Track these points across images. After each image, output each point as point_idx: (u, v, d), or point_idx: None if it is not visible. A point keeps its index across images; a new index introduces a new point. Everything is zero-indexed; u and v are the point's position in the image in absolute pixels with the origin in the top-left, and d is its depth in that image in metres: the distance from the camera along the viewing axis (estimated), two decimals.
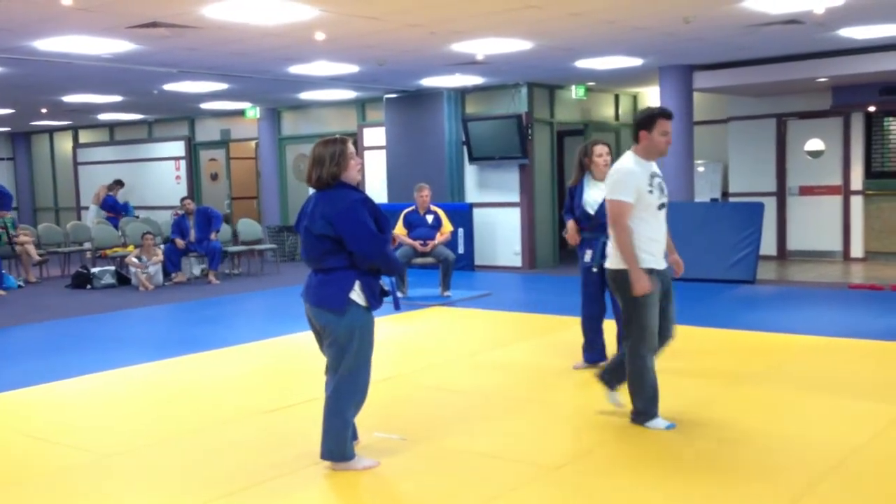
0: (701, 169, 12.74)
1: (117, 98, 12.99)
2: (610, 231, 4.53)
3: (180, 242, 11.58)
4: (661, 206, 4.50)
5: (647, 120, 4.46)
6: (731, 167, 12.76)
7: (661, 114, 4.47)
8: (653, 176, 4.47)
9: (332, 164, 3.88)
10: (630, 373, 4.52)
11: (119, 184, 15.98)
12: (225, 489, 3.80)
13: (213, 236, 11.72)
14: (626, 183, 4.41)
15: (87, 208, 16.96)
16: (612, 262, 4.52)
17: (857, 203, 11.81)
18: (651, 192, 4.43)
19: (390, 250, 3.92)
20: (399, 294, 9.21)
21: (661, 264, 4.50)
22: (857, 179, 11.79)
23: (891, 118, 11.72)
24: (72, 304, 9.93)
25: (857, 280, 9.97)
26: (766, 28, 8.29)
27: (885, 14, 7.91)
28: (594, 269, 5.73)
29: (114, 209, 15.40)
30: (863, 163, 11.78)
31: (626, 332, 4.51)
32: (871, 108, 11.44)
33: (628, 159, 4.51)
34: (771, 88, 11.23)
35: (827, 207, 12.09)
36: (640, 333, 4.43)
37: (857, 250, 11.84)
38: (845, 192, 11.92)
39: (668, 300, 4.56)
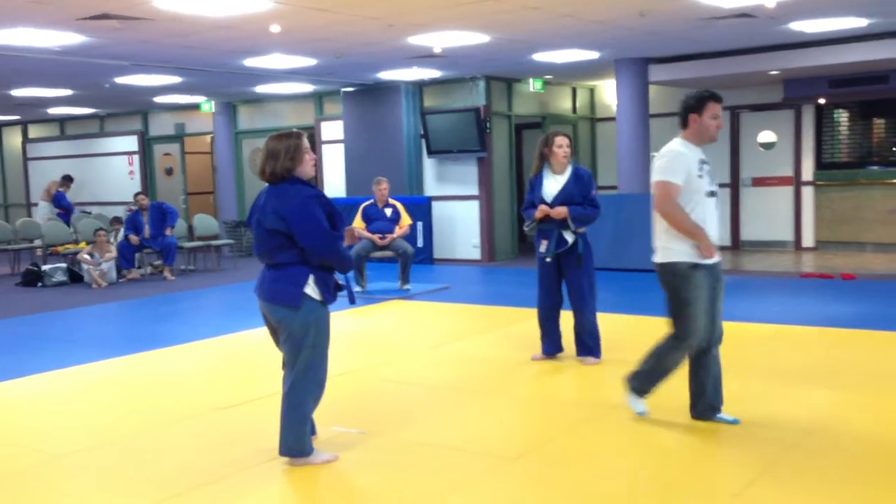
0: None
1: (68, 92, 12.73)
2: (658, 216, 4.25)
3: (134, 238, 11.40)
4: (711, 194, 4.24)
5: (697, 103, 4.23)
6: None
7: (712, 97, 4.23)
8: (702, 162, 4.23)
9: (286, 158, 3.85)
10: (656, 353, 4.35)
11: (68, 180, 15.67)
12: (181, 487, 3.75)
13: (168, 232, 11.56)
14: (674, 164, 4.17)
15: (36, 205, 16.61)
16: (661, 255, 4.27)
17: (808, 193, 12.05)
18: (700, 177, 4.19)
19: (342, 247, 3.88)
20: (358, 288, 9.21)
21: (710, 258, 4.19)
22: (808, 170, 12.03)
23: (840, 110, 11.97)
24: (22, 303, 9.72)
25: (808, 269, 10.18)
26: (719, 22, 8.40)
27: (835, 8, 8.06)
28: (548, 260, 5.76)
29: (64, 206, 15.11)
30: (813, 154, 12.02)
31: (669, 329, 4.28)
32: (822, 101, 11.67)
33: (676, 143, 4.27)
34: (724, 81, 11.38)
35: (779, 198, 12.31)
36: (683, 330, 4.21)
37: (808, 240, 12.09)
38: (797, 182, 12.15)
39: (718, 298, 4.31)
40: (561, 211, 5.64)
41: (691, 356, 4.33)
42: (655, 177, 4.24)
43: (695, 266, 4.19)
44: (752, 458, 3.85)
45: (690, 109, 4.25)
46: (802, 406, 4.68)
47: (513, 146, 12.87)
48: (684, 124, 4.29)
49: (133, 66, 10.17)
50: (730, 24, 8.51)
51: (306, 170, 3.90)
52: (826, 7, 8.00)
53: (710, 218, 4.25)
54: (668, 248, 4.24)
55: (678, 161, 4.19)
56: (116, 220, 13.11)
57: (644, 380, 4.43)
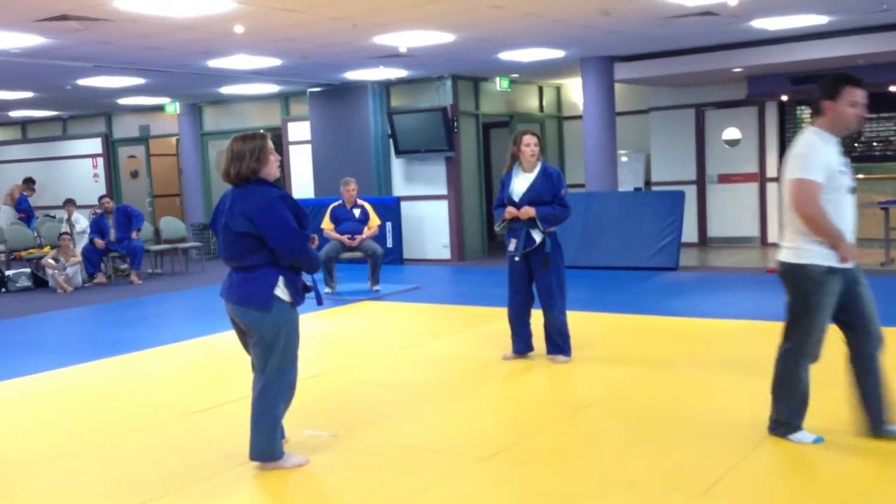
0: (624, 159, 12.98)
1: (29, 94, 12.51)
2: (794, 218, 3.78)
3: (99, 242, 11.25)
4: (852, 190, 3.80)
5: (831, 88, 3.74)
6: (652, 156, 13.03)
7: (849, 80, 3.73)
8: (841, 154, 3.79)
9: (251, 159, 3.81)
10: (779, 377, 3.94)
11: (31, 182, 15.40)
12: (151, 493, 3.70)
13: (134, 235, 11.42)
14: (813, 159, 3.68)
15: None
16: (793, 255, 3.83)
17: (772, 190, 12.20)
18: (842, 172, 3.75)
19: (311, 248, 3.86)
20: (328, 289, 9.16)
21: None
22: (772, 167, 12.18)
23: (803, 107, 12.14)
24: None
25: (773, 265, 10.26)
26: (682, 19, 8.48)
27: (796, 5, 8.17)
28: (516, 259, 5.77)
29: (24, 209, 14.84)
30: (777, 150, 12.17)
31: (786, 335, 3.91)
32: (784, 98, 11.82)
33: (811, 133, 3.80)
34: (689, 79, 11.50)
35: (744, 194, 12.46)
36: (802, 338, 3.83)
37: (773, 235, 12.23)
38: (761, 179, 12.30)
39: (867, 300, 3.86)
40: (528, 211, 5.65)
41: (854, 364, 3.90)
42: (793, 174, 3.74)
43: (831, 270, 3.74)
44: (724, 453, 3.88)
45: (825, 95, 3.76)
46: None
47: (481, 145, 12.88)
48: (819, 111, 3.80)
49: (95, 68, 10.03)
50: (693, 21, 8.59)
51: (271, 171, 3.88)
52: (787, 4, 8.10)
53: (850, 217, 3.80)
54: (803, 248, 3.78)
55: (817, 155, 3.70)
56: (70, 201, 12.88)
57: (787, 415, 3.95)
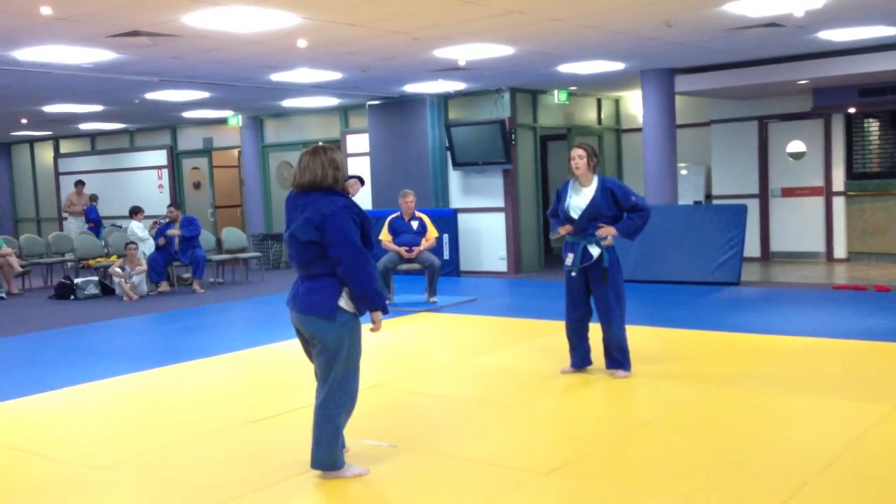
0: (684, 172, 12.81)
1: (98, 107, 12.91)
2: None
3: (173, 232, 11.47)
4: None
5: None
6: (714, 170, 12.83)
7: None
8: None
9: (330, 166, 3.86)
10: None
11: (80, 185, 15.91)
12: (213, 500, 3.77)
13: (174, 232, 11.52)
14: None
15: (66, 218, 16.84)
16: None
17: (839, 204, 11.90)
18: None
19: (368, 265, 3.80)
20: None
21: None
22: (838, 180, 11.89)
23: (871, 119, 11.83)
24: (55, 316, 9.84)
25: (840, 281, 10.04)
26: (746, 31, 8.35)
27: (863, 16, 7.98)
28: (573, 274, 5.72)
29: (96, 219, 15.31)
30: (844, 164, 11.87)
31: None
32: (852, 110, 11.54)
33: None
34: (752, 91, 11.30)
35: (809, 209, 12.17)
36: None
37: (840, 251, 11.93)
38: (827, 193, 12.01)
39: None
40: (609, 230, 5.62)
41: None
42: None
43: None
44: (788, 474, 3.79)
45: None
46: (838, 420, 4.61)
47: (538, 158, 12.85)
48: None
49: (162, 82, 10.30)
50: (757, 33, 8.45)
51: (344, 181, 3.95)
52: (855, 16, 7.92)
53: None
54: None
55: None
56: (137, 210, 12.87)
57: None
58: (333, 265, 3.82)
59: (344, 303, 3.84)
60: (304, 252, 3.86)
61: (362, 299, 3.82)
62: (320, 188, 3.86)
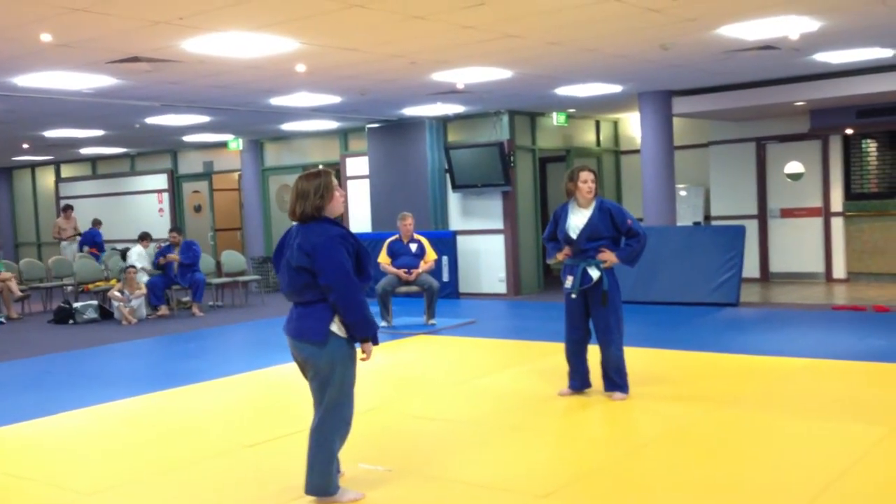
0: (683, 193, 12.83)
1: (99, 132, 12.98)
2: None
3: (172, 257, 11.50)
4: None
5: None
6: (712, 191, 12.86)
7: None
8: None
9: (316, 197, 3.88)
10: None
11: (68, 210, 16.05)
12: None
13: (173, 257, 11.58)
14: None
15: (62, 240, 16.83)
16: None
17: (837, 224, 11.91)
18: None
19: (357, 295, 3.80)
20: (384, 323, 9.21)
21: None
22: (837, 201, 11.91)
23: (868, 140, 11.87)
24: (54, 340, 9.83)
25: (839, 301, 10.03)
26: (742, 54, 8.40)
27: (858, 39, 8.04)
28: (573, 296, 5.73)
29: (99, 244, 15.33)
30: (842, 184, 11.90)
31: None
32: (849, 131, 11.58)
33: None
34: (749, 113, 11.35)
35: (808, 229, 12.18)
36: None
37: (839, 271, 11.93)
38: (826, 213, 12.03)
39: None
40: (609, 257, 5.65)
41: None
42: None
43: None
44: (787, 496, 3.76)
45: None
46: (837, 442, 4.59)
47: (537, 180, 12.89)
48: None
49: (162, 107, 10.37)
50: (754, 55, 8.51)
51: (336, 208, 3.94)
52: (849, 39, 7.97)
53: None
54: None
55: None
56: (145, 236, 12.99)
57: None
58: (324, 292, 3.82)
59: (336, 328, 3.84)
60: (296, 278, 3.87)
61: (354, 328, 3.83)
62: (311, 219, 3.88)
